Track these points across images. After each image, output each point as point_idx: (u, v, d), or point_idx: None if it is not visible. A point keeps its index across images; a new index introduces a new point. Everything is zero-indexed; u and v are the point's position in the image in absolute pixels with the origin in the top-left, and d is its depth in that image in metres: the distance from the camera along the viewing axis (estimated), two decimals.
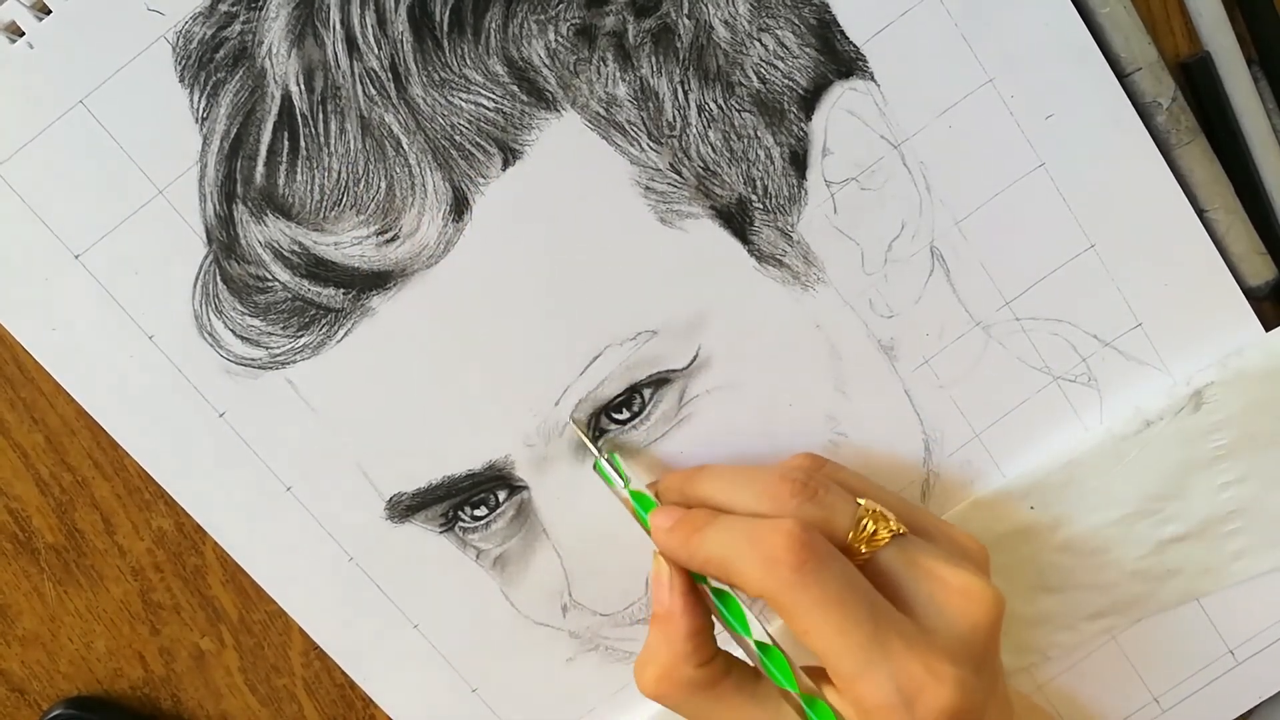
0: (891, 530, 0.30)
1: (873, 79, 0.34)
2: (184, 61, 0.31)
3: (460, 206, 0.33)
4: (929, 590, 0.29)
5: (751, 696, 0.31)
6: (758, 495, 0.31)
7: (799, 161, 0.34)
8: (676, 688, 0.31)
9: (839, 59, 0.33)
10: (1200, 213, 0.36)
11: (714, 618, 0.32)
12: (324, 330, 0.33)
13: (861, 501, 0.30)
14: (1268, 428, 0.37)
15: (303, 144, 0.32)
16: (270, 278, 0.33)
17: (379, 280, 0.33)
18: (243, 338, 0.33)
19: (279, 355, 0.34)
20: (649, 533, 0.32)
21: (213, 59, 0.31)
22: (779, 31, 0.33)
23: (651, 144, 0.33)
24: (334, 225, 0.33)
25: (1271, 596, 0.39)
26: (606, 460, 0.34)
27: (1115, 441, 0.36)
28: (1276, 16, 0.36)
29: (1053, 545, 0.37)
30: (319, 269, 0.33)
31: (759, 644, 0.30)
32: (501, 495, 0.36)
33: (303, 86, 0.32)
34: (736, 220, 0.34)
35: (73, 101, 0.31)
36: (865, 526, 0.30)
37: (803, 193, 0.34)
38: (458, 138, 0.32)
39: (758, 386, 0.35)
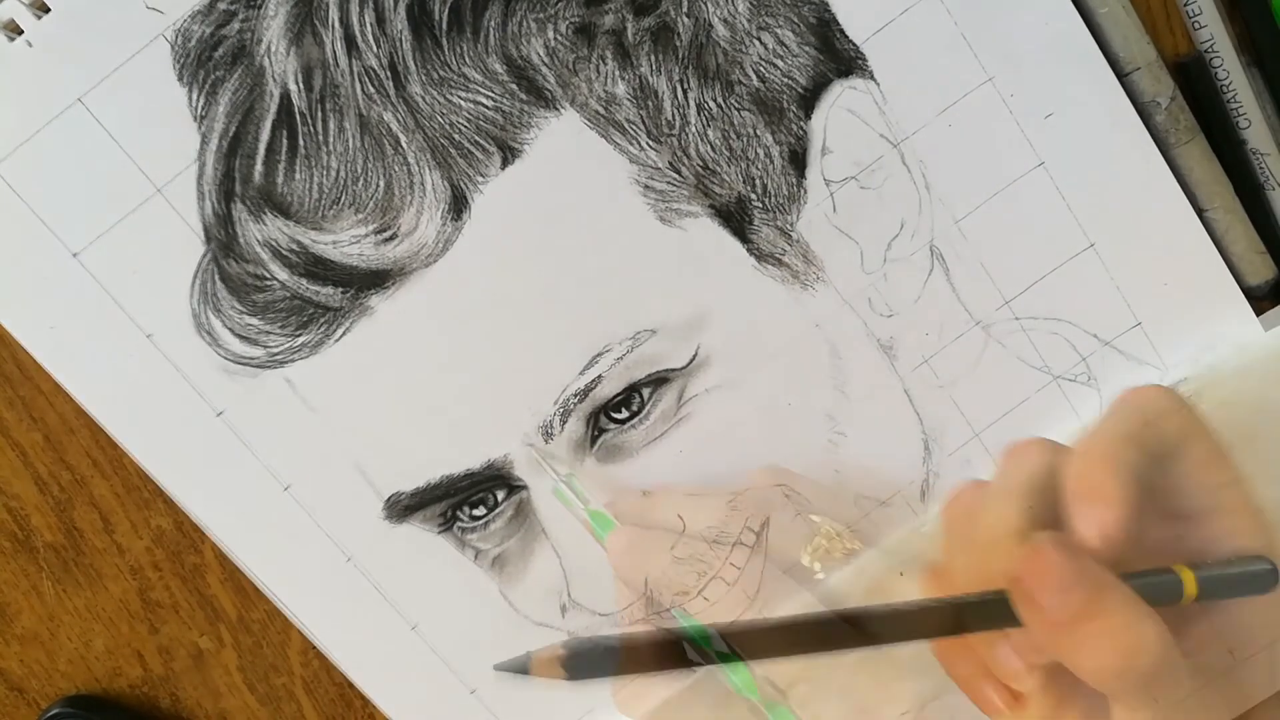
0: (847, 548, 0.30)
1: (872, 78, 0.34)
2: (183, 60, 0.31)
3: (459, 205, 0.33)
4: None
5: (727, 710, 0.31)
6: (709, 526, 0.31)
7: (798, 160, 0.34)
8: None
9: (838, 58, 0.33)
10: (1200, 212, 0.36)
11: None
12: (322, 329, 0.33)
13: (816, 519, 0.30)
14: (1266, 427, 0.36)
15: (301, 142, 0.32)
16: (269, 276, 0.33)
17: (377, 279, 0.33)
18: (241, 336, 0.33)
19: (277, 354, 0.34)
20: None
21: (211, 57, 0.31)
22: (778, 30, 0.33)
23: (651, 142, 0.33)
24: (332, 224, 0.33)
25: (1272, 596, 0.39)
26: (564, 483, 0.34)
27: None
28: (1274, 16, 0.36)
29: None
30: (317, 268, 0.33)
31: (720, 654, 0.30)
32: (500, 495, 0.36)
33: (301, 85, 0.31)
34: (736, 219, 0.34)
35: (71, 100, 0.31)
36: (819, 546, 0.30)
37: (802, 191, 0.34)
38: (456, 136, 0.32)
39: (757, 386, 0.35)
